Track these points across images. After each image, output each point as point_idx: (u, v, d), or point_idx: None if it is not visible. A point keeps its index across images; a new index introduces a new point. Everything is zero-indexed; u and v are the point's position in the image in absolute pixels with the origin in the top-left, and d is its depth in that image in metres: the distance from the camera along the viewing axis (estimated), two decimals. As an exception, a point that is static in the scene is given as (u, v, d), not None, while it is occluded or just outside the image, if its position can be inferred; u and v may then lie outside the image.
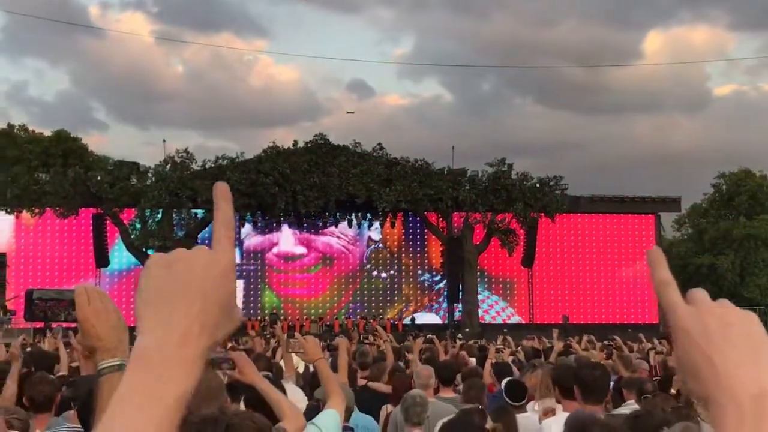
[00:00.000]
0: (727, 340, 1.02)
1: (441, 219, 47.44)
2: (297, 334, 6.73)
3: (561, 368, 6.88)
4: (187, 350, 1.02)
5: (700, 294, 1.10)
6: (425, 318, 48.48)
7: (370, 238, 50.02)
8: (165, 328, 1.03)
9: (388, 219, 48.02)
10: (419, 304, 50.53)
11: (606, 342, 18.39)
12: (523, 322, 47.67)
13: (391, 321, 45.93)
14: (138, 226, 43.77)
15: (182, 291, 1.06)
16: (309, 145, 46.50)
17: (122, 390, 1.00)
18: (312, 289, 50.02)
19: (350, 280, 50.35)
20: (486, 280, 49.18)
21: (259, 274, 49.67)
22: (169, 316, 1.04)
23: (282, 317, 44.49)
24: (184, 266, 1.08)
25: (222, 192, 1.16)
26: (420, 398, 6.39)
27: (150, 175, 45.21)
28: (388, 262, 50.81)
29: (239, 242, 48.84)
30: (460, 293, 46.81)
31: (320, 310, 49.14)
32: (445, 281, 49.12)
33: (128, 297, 43.52)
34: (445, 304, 49.29)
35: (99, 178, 44.55)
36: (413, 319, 47.18)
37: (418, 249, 50.77)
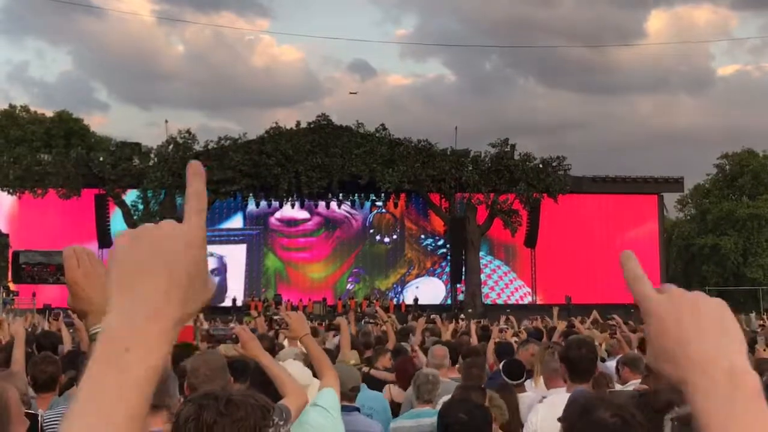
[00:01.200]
0: (698, 325, 1.07)
1: (444, 199, 47.40)
2: (282, 309, 6.66)
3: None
4: (156, 323, 1.01)
5: (671, 286, 1.15)
6: (428, 284, 48.76)
7: (373, 202, 49.91)
8: (131, 303, 1.02)
9: (390, 200, 48.08)
10: (422, 267, 50.66)
11: (606, 321, 18.40)
12: (526, 302, 47.74)
13: (394, 301, 45.98)
14: (141, 206, 43.81)
15: (147, 264, 1.04)
16: (312, 125, 46.42)
17: (90, 365, 0.99)
18: (314, 253, 50.18)
19: (353, 244, 50.51)
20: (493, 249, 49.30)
21: (262, 238, 49.78)
22: (135, 291, 1.03)
23: (284, 304, 44.63)
24: (149, 240, 1.07)
25: (194, 168, 1.13)
26: (432, 377, 6.38)
27: (152, 155, 45.20)
28: (390, 227, 50.96)
29: (243, 208, 49.07)
30: (463, 274, 46.87)
31: (323, 274, 49.33)
32: (448, 245, 49.02)
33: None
34: (448, 268, 49.35)
35: (101, 158, 44.58)
36: (416, 300, 47.23)
37: (421, 214, 50.81)
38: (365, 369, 8.75)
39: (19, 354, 6.66)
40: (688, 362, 1.05)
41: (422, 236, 51.10)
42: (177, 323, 1.04)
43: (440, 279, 50.09)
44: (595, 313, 18.72)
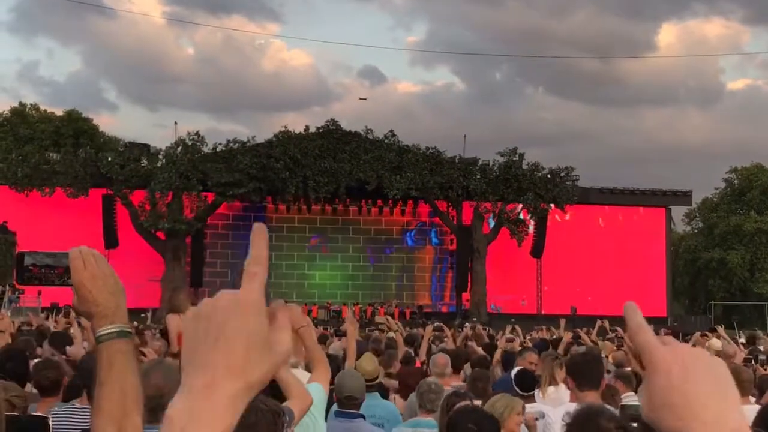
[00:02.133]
0: (701, 380, 1.09)
1: (451, 207, 47.36)
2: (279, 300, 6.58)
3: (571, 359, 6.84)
4: (209, 398, 1.02)
5: (670, 338, 1.17)
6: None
7: (380, 208, 49.95)
8: (189, 381, 1.04)
9: (398, 206, 48.08)
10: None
11: (614, 332, 18.35)
12: (532, 312, 47.61)
13: (399, 308, 45.92)
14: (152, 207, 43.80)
15: (204, 339, 1.05)
16: (320, 130, 46.45)
17: None
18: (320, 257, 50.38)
19: (360, 249, 50.65)
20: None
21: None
22: (192, 369, 1.05)
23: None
24: (206, 316, 1.07)
25: (259, 232, 1.13)
26: (435, 386, 6.35)
27: (161, 157, 45.23)
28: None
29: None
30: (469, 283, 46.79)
31: (327, 280, 49.41)
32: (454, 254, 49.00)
33: (136, 278, 43.62)
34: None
35: (109, 159, 44.60)
36: (421, 308, 47.21)
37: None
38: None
39: None
40: (695, 421, 1.06)
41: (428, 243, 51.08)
42: (239, 394, 1.03)
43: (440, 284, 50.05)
44: (599, 323, 18.64)
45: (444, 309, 48.87)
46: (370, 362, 6.97)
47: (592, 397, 5.36)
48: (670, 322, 44.98)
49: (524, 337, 15.05)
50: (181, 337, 8.33)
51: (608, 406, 5.01)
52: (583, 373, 5.52)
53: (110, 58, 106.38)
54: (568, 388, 6.07)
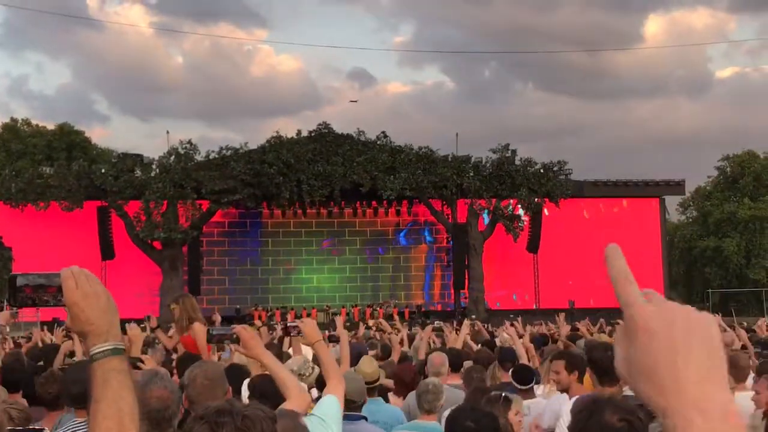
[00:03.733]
0: (690, 347, 0.98)
1: (446, 206, 47.41)
2: (295, 318, 6.59)
3: (571, 354, 6.91)
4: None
5: (656, 294, 1.06)
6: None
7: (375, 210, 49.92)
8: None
9: (392, 206, 48.09)
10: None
11: (611, 326, 18.40)
12: (530, 308, 47.66)
13: (399, 308, 45.97)
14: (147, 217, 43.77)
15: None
16: (313, 134, 46.50)
17: None
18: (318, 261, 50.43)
19: (356, 251, 50.57)
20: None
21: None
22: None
23: (289, 308, 44.70)
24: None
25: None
26: (433, 386, 6.36)
27: (154, 166, 45.23)
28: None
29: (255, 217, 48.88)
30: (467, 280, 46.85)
31: (326, 283, 49.41)
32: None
33: (132, 290, 43.61)
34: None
35: (103, 170, 44.64)
36: (419, 307, 47.28)
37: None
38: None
39: None
40: (677, 392, 0.96)
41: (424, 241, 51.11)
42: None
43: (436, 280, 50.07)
44: (602, 321, 18.75)
45: (440, 307, 48.89)
46: (369, 364, 7.01)
47: (612, 392, 5.37)
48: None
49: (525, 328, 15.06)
50: (209, 348, 8.40)
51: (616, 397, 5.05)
52: (606, 366, 5.46)
53: (100, 70, 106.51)
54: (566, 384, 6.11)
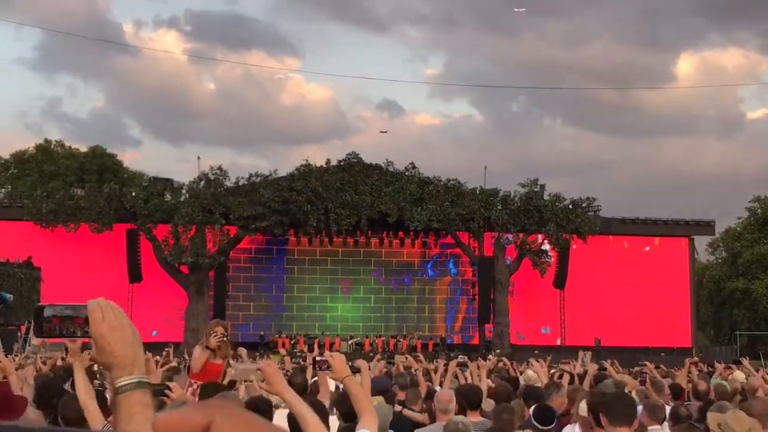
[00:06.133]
0: None
1: (472, 239, 47.33)
2: (326, 351, 6.63)
3: (595, 395, 6.85)
4: None
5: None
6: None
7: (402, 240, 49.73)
8: None
9: (419, 238, 48.05)
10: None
11: (638, 368, 18.20)
12: (554, 344, 47.32)
13: (422, 341, 45.79)
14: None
15: None
16: (341, 163, 46.69)
17: None
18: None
19: (382, 282, 50.47)
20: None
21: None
22: None
23: (313, 336, 44.66)
24: None
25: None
26: (462, 425, 6.35)
27: (184, 191, 45.57)
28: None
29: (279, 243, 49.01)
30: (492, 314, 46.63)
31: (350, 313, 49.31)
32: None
33: (158, 313, 43.82)
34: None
35: (134, 194, 44.98)
36: (443, 339, 47.10)
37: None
38: (398, 408, 8.70)
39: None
40: None
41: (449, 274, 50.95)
42: None
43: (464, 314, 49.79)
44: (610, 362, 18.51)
45: (459, 340, 48.66)
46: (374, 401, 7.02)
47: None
48: (695, 352, 44.55)
49: (549, 370, 14.91)
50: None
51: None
52: (617, 409, 5.45)
53: (133, 94, 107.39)
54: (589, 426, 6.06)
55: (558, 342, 47.86)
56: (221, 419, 1.67)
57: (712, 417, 6.02)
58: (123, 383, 2.05)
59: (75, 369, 5.59)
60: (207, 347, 8.45)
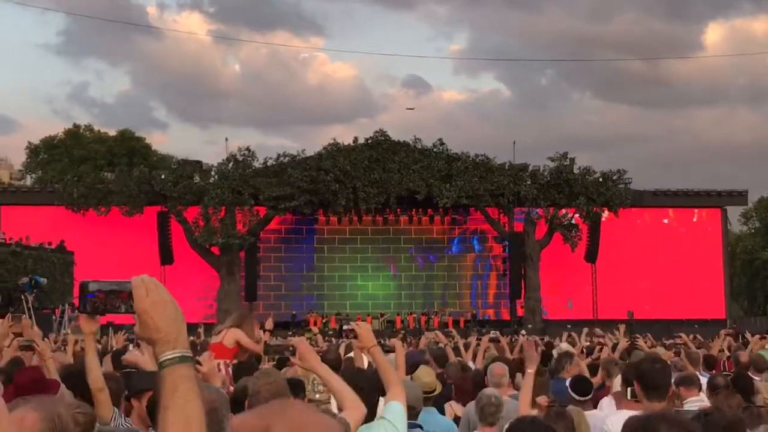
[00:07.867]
0: None
1: (502, 214, 47.14)
2: (352, 322, 6.61)
3: (629, 365, 6.79)
4: None
5: None
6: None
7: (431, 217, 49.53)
8: None
9: (448, 215, 47.94)
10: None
11: (671, 340, 18.09)
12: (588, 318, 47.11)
13: (453, 317, 45.76)
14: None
15: None
16: (369, 141, 46.60)
17: None
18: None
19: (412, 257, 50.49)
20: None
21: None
22: None
23: (344, 315, 44.79)
24: None
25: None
26: (495, 398, 6.32)
27: (213, 173, 45.76)
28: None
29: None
30: (523, 289, 46.50)
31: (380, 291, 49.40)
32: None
33: (191, 294, 44.11)
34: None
35: (163, 176, 45.22)
36: (474, 316, 47.05)
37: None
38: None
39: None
40: None
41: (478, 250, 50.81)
42: None
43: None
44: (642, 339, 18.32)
45: (494, 316, 48.56)
46: (427, 374, 6.97)
47: (660, 407, 5.25)
48: (729, 324, 44.17)
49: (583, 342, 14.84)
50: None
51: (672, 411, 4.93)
52: (653, 380, 5.34)
53: (159, 77, 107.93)
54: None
55: (591, 316, 47.64)
56: (278, 423, 1.70)
57: (765, 387, 5.93)
58: (168, 357, 2.09)
59: (87, 350, 5.43)
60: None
